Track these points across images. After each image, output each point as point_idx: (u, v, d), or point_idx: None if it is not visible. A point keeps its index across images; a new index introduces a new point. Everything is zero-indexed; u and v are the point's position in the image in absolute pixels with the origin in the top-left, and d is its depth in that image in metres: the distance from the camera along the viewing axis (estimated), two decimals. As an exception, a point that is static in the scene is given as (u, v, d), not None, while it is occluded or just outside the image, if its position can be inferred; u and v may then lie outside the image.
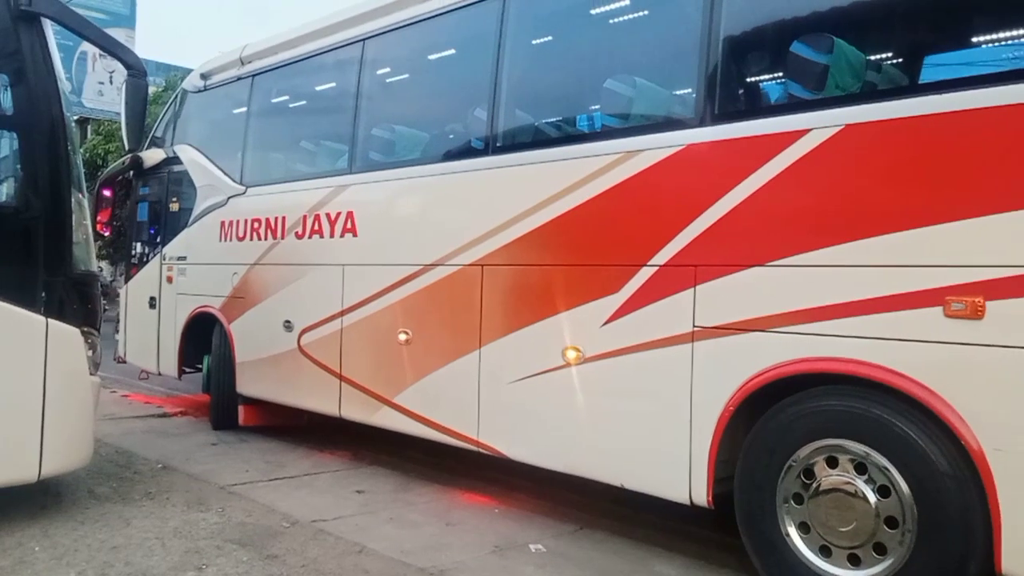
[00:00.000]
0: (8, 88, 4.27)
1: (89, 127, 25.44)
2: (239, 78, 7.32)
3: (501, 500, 5.03)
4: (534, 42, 5.01)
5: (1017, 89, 2.92)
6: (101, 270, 17.11)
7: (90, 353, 4.43)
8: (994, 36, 3.35)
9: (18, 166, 4.32)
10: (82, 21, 4.66)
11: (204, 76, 7.86)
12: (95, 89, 28.53)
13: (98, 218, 9.17)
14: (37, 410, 4.11)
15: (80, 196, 4.48)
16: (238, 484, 5.16)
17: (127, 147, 4.86)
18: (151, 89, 4.89)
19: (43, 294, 4.16)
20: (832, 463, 3.37)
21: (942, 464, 3.04)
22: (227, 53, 7.77)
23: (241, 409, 7.00)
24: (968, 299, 2.97)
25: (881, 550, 3.21)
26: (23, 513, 4.31)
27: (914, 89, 3.38)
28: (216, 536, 4.11)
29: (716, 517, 3.97)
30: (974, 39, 3.44)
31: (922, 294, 3.08)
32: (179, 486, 5.05)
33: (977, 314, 2.95)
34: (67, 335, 4.26)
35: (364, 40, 5.91)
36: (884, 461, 3.20)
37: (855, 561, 3.28)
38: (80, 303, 4.43)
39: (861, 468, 3.29)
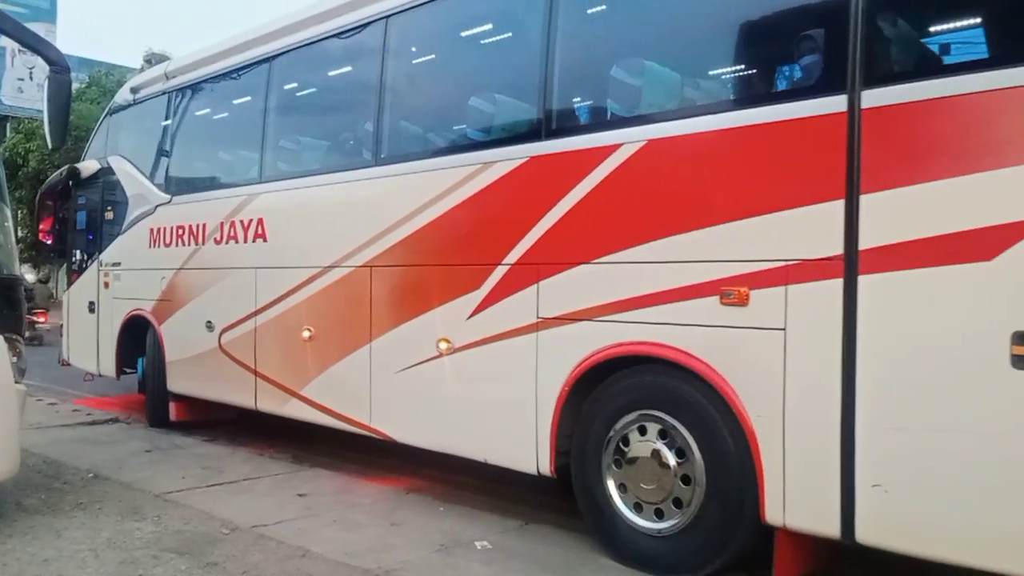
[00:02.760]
0: None
1: (8, 125, 24.87)
2: (163, 92, 7.74)
3: (445, 498, 5.03)
4: (411, 63, 5.48)
5: (764, 111, 3.46)
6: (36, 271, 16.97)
7: (15, 360, 4.31)
8: (751, 64, 3.89)
9: None
10: (1, 16, 4.51)
11: (133, 90, 8.26)
12: (14, 86, 27.70)
13: (40, 227, 9.58)
14: None
15: (5, 195, 4.30)
16: (174, 491, 5.06)
17: (50, 145, 4.73)
18: (74, 85, 4.88)
19: None
20: (643, 431, 3.90)
21: (723, 429, 3.57)
22: (154, 68, 8.19)
23: (172, 406, 7.43)
24: (737, 289, 3.50)
25: (679, 504, 3.75)
26: None
27: (695, 110, 3.89)
28: (152, 545, 4.02)
29: None
30: (741, 66, 3.98)
31: (703, 285, 3.61)
32: (112, 495, 4.93)
33: (743, 301, 3.48)
34: None
35: (270, 59, 6.36)
36: (681, 428, 3.74)
37: (660, 515, 3.82)
38: (4, 309, 4.31)
39: (664, 435, 3.82)
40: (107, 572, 3.66)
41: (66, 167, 9.05)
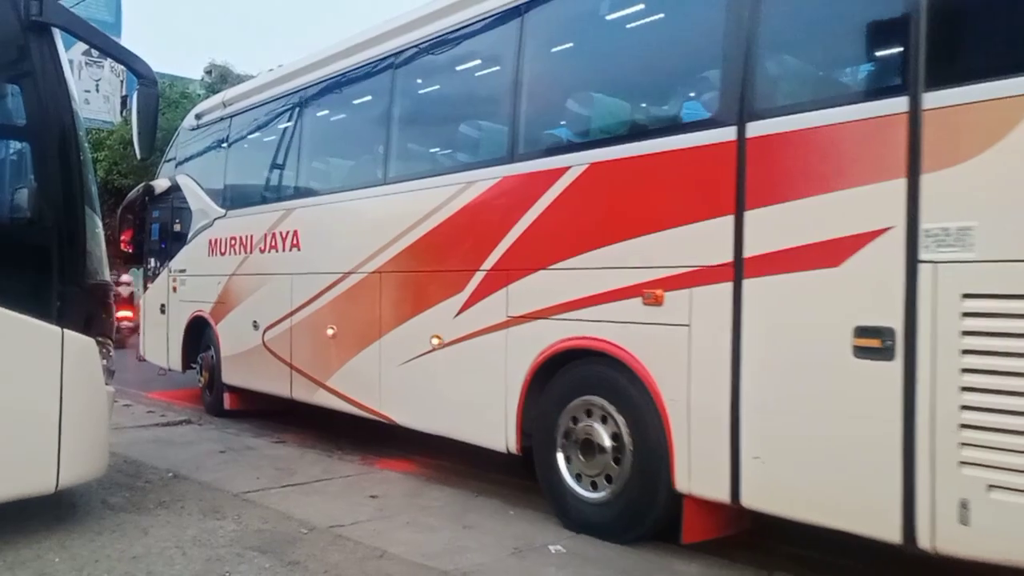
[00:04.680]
0: (20, 98, 4.24)
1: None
2: (221, 118, 8.74)
3: (514, 502, 5.08)
4: (411, 96, 6.23)
5: (673, 140, 4.05)
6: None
7: (104, 362, 4.42)
8: (666, 99, 4.48)
9: (31, 177, 4.31)
10: (92, 30, 4.62)
11: (197, 116, 9.32)
12: (81, 97, 27.14)
13: (122, 237, 10.77)
14: (54, 421, 4.07)
15: (94, 206, 4.49)
16: (251, 491, 5.16)
17: (139, 156, 4.85)
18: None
19: (58, 304, 4.14)
20: (588, 415, 4.52)
21: (646, 412, 4.17)
22: (215, 96, 9.22)
23: (226, 396, 8.39)
24: (654, 291, 4.09)
25: (609, 479, 4.36)
26: (39, 524, 4.29)
27: (624, 138, 4.49)
28: (235, 544, 4.10)
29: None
30: (658, 101, 4.58)
31: (629, 288, 4.21)
32: (192, 494, 5.05)
33: (659, 302, 4.08)
34: (82, 345, 4.23)
35: (302, 90, 7.24)
36: (614, 411, 4.34)
37: (595, 486, 4.43)
38: (94, 313, 4.41)
39: (603, 418, 4.43)
40: (195, 569, 3.75)
41: (143, 184, 10.23)
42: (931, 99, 3.13)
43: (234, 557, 3.91)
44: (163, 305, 9.58)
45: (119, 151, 21.87)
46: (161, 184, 9.86)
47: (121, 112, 27.67)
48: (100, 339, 4.38)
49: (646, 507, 4.19)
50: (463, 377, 5.30)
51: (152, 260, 10.15)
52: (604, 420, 4.43)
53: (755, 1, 3.73)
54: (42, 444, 4.06)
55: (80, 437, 4.22)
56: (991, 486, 2.94)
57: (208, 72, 27.18)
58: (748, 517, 4.03)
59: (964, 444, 3.01)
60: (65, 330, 4.14)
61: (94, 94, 27.91)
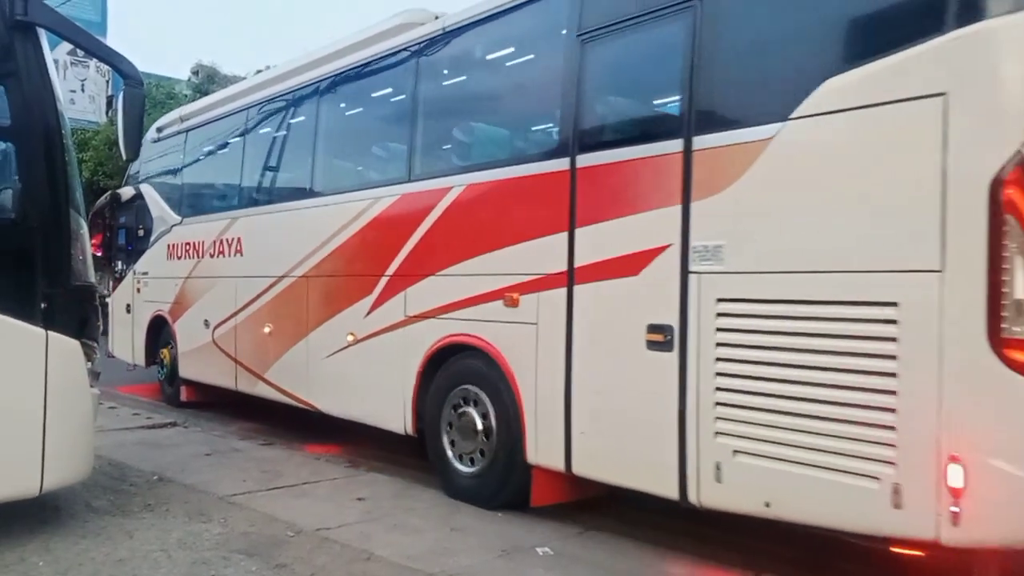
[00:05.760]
0: (5, 98, 4.16)
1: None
2: (178, 132, 9.46)
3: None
4: (333, 121, 6.97)
5: (524, 167, 4.81)
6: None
7: (89, 365, 4.38)
8: (519, 134, 5.24)
9: (15, 177, 4.26)
10: (78, 30, 4.58)
11: (159, 129, 10.04)
12: (66, 97, 26.79)
13: (92, 241, 11.45)
14: (38, 423, 4.03)
15: (79, 207, 4.46)
16: (237, 494, 5.12)
17: (125, 157, 4.83)
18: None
19: (42, 306, 4.11)
20: (466, 401, 5.27)
21: (506, 397, 4.92)
22: (174, 111, 9.94)
23: (183, 389, 9.13)
24: (511, 295, 4.85)
25: (482, 454, 5.12)
26: (23, 528, 4.23)
27: (489, 164, 5.25)
28: (221, 547, 4.08)
29: (723, 518, 4.03)
30: (513, 135, 5.34)
31: (494, 292, 4.97)
32: (177, 497, 5.01)
33: (516, 304, 4.83)
34: (67, 347, 4.19)
35: (245, 110, 7.98)
36: (484, 397, 5.10)
37: (473, 462, 5.19)
38: (79, 315, 4.37)
39: (477, 403, 5.18)
40: (180, 572, 3.74)
41: (109, 192, 10.95)
42: (698, 142, 3.89)
43: (220, 560, 3.89)
44: (128, 305, 10.30)
45: (105, 152, 21.93)
46: (126, 192, 10.58)
47: (107, 112, 27.62)
48: (85, 341, 4.34)
49: (507, 477, 4.94)
50: (371, 369, 6.05)
51: (119, 263, 10.86)
52: (477, 405, 5.19)
53: (581, 58, 4.50)
54: (26, 447, 4.02)
55: (64, 440, 4.17)
56: (736, 451, 3.70)
57: (195, 73, 27.13)
58: (592, 487, 4.77)
59: (718, 418, 3.77)
60: (49, 332, 4.11)
61: (79, 94, 27.79)
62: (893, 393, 3.16)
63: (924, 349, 3.08)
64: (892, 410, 3.17)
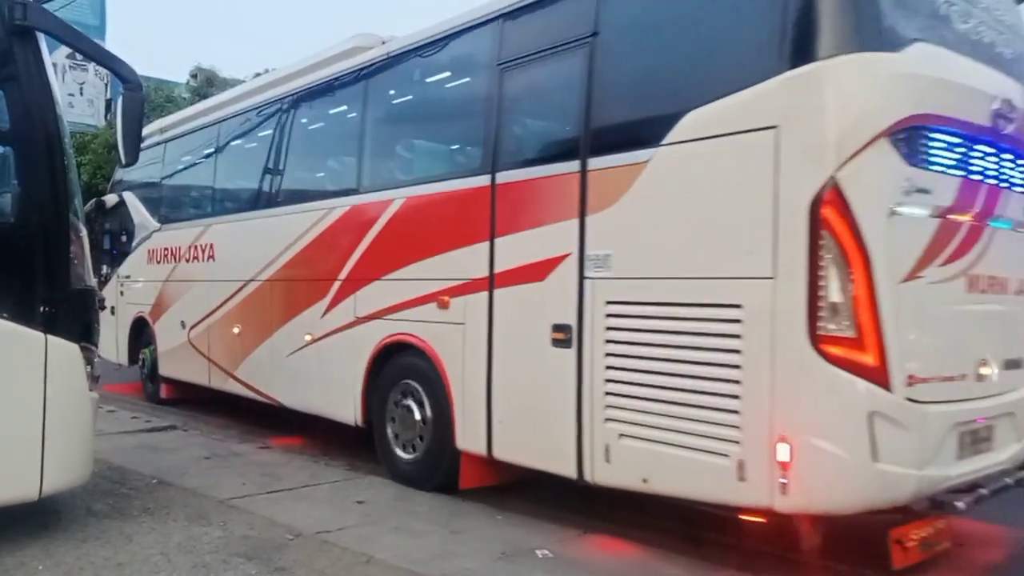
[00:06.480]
0: (4, 103, 4.17)
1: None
2: (158, 142, 9.98)
3: (502, 506, 5.11)
4: (295, 135, 7.49)
5: (454, 183, 5.33)
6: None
7: (88, 369, 4.37)
8: (452, 153, 5.76)
9: (15, 181, 4.24)
10: (77, 34, 4.57)
11: (140, 140, 10.54)
12: (65, 101, 25.57)
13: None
14: (38, 427, 4.03)
15: (78, 210, 4.48)
16: (237, 497, 5.12)
17: (123, 162, 4.76)
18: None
19: (42, 310, 4.10)
20: (406, 394, 5.79)
21: (440, 390, 5.43)
22: (155, 122, 10.47)
23: (163, 387, 9.65)
24: (443, 298, 5.37)
25: (420, 442, 5.64)
26: (23, 532, 4.21)
27: (424, 179, 5.78)
28: (221, 550, 4.08)
29: (719, 521, 4.20)
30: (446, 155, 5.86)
31: (429, 296, 5.48)
32: (177, 501, 5.00)
33: (447, 306, 5.35)
34: (66, 351, 4.19)
35: (218, 124, 8.51)
36: (422, 391, 5.62)
37: (412, 449, 5.71)
38: (79, 319, 4.37)
39: (415, 396, 5.70)
40: None
41: (95, 200, 11.44)
42: (592, 163, 4.41)
43: (220, 564, 3.89)
44: (113, 307, 10.81)
45: (103, 155, 21.91)
46: (111, 199, 11.09)
47: (106, 116, 27.36)
48: (84, 345, 4.33)
49: (440, 462, 5.46)
50: (326, 367, 6.57)
51: (104, 267, 11.37)
52: (416, 398, 5.70)
53: (500, 86, 5.03)
54: (25, 451, 4.01)
55: (64, 444, 4.17)
56: (621, 435, 4.23)
57: (194, 76, 27.05)
58: (512, 471, 5.27)
59: (607, 406, 4.29)
60: (49, 336, 4.10)
61: (78, 97, 27.06)
62: (738, 382, 3.69)
63: (761, 344, 3.61)
64: (737, 396, 3.70)
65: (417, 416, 5.66)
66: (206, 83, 25.46)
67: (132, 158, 4.71)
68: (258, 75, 16.51)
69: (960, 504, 3.73)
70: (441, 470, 5.46)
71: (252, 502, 5.06)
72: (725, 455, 3.73)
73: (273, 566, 3.88)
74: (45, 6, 4.39)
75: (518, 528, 4.70)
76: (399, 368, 5.85)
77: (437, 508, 5.07)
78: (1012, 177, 4.22)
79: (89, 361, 4.37)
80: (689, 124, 3.95)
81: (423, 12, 6.36)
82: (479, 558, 4.13)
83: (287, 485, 5.53)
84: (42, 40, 4.27)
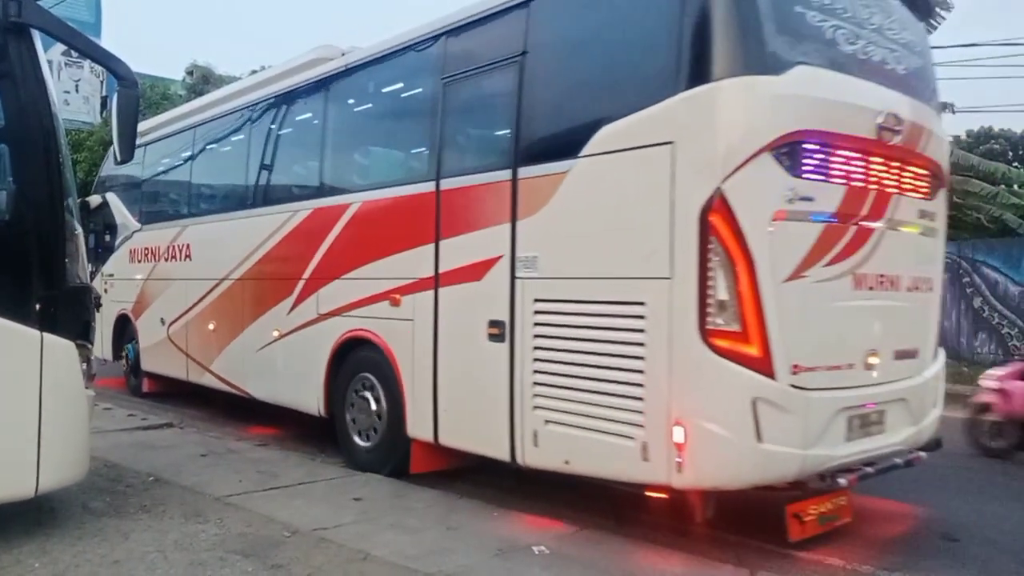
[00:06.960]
0: None
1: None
2: (138, 145, 10.31)
3: (498, 503, 5.15)
4: (263, 141, 7.87)
5: (404, 188, 5.72)
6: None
7: (84, 366, 4.37)
8: (401, 160, 6.14)
9: (10, 179, 4.25)
10: (72, 32, 4.55)
11: (121, 142, 10.90)
12: (60, 98, 24.37)
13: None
14: (33, 424, 4.04)
15: (73, 208, 4.49)
16: (233, 495, 5.13)
17: (119, 159, 4.70)
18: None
19: (37, 307, 4.11)
20: (363, 386, 6.19)
21: (393, 382, 5.83)
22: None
23: (144, 380, 10.05)
24: (394, 296, 5.77)
25: (374, 431, 6.04)
26: (19, 529, 4.21)
27: (378, 185, 6.17)
28: (218, 547, 4.09)
29: (713, 516, 4.31)
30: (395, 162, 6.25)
31: (383, 294, 5.88)
32: (174, 498, 5.01)
33: (398, 303, 5.75)
34: (62, 349, 4.20)
35: (193, 128, 8.88)
36: (377, 383, 6.02)
37: (369, 438, 6.11)
38: (74, 316, 4.38)
39: (371, 388, 6.10)
40: (177, 574, 3.76)
41: (79, 200, 11.80)
42: (522, 171, 4.81)
43: (216, 561, 3.90)
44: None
45: (99, 152, 21.27)
46: (94, 200, 11.45)
47: (101, 113, 27.22)
48: (80, 343, 4.34)
49: (394, 449, 5.86)
50: (292, 360, 6.97)
51: (88, 266, 11.73)
52: (372, 389, 6.10)
53: (444, 98, 5.42)
54: (21, 448, 4.01)
55: (60, 441, 4.16)
56: (547, 420, 4.63)
57: (189, 73, 26.98)
58: (457, 457, 5.66)
59: (535, 395, 4.70)
60: (45, 334, 4.11)
61: (74, 95, 27.03)
62: (641, 372, 4.10)
63: (661, 338, 4.01)
64: (641, 385, 4.11)
65: (373, 407, 6.06)
66: (202, 80, 25.37)
67: (128, 155, 4.67)
68: (254, 72, 16.73)
69: (842, 480, 4.16)
70: (395, 456, 5.86)
71: (249, 499, 5.08)
72: (631, 438, 4.14)
73: (270, 563, 3.90)
74: (40, 3, 4.36)
75: (514, 524, 4.76)
76: (357, 362, 6.25)
77: (433, 505, 5.11)
78: (901, 184, 4.63)
79: (85, 358, 4.39)
80: (602, 138, 4.35)
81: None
82: (475, 554, 4.16)
83: (284, 482, 5.57)
84: (37, 37, 4.29)
